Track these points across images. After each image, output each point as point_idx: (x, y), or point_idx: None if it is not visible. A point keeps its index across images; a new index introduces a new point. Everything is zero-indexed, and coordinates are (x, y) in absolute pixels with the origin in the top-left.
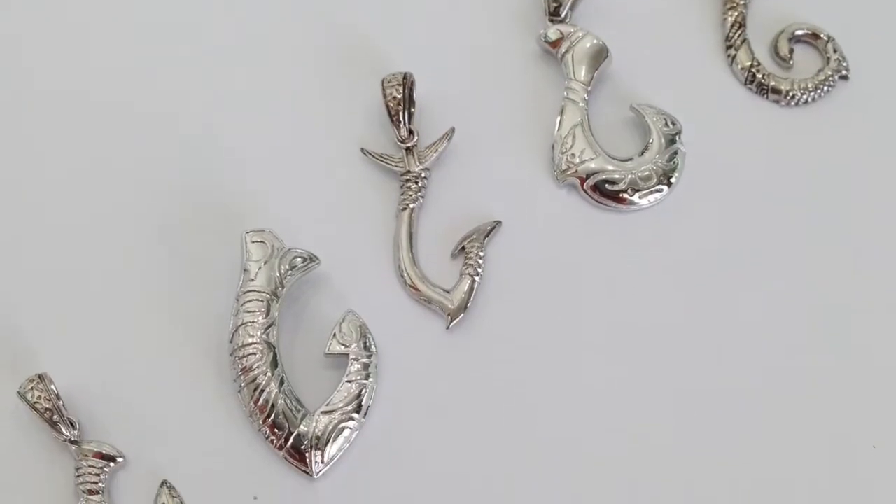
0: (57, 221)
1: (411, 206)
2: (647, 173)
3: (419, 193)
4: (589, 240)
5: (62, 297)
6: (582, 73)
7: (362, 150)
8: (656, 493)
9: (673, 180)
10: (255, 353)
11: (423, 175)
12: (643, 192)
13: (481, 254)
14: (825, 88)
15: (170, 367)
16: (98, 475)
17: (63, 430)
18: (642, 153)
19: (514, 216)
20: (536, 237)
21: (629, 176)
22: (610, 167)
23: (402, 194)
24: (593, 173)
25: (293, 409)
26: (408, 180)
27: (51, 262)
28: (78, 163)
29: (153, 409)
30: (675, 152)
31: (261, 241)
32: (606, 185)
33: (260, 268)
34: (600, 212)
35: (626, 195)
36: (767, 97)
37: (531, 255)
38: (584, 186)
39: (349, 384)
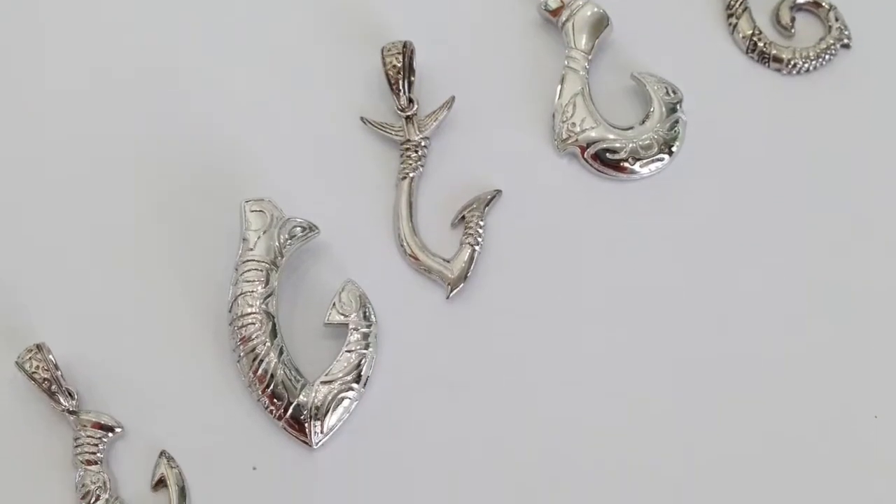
0: (56, 191)
1: (411, 175)
2: (647, 142)
3: (419, 162)
4: (589, 209)
5: (61, 267)
6: (583, 41)
7: (362, 118)
8: (656, 460)
9: (674, 149)
10: (254, 323)
11: (422, 144)
12: (644, 160)
13: (481, 223)
14: (827, 57)
15: (169, 337)
16: (96, 445)
17: (61, 400)
18: (643, 122)
19: (515, 185)
20: (537, 206)
21: (630, 145)
22: (611, 136)
23: (401, 163)
24: (594, 142)
25: (292, 379)
26: (408, 149)
27: (50, 233)
28: (77, 133)
29: (152, 380)
30: (676, 121)
31: (260, 211)
32: (607, 154)
33: (259, 237)
34: (601, 181)
35: (626, 164)
36: (769, 66)
37: (531, 224)
38: (585, 155)
39: (349, 354)
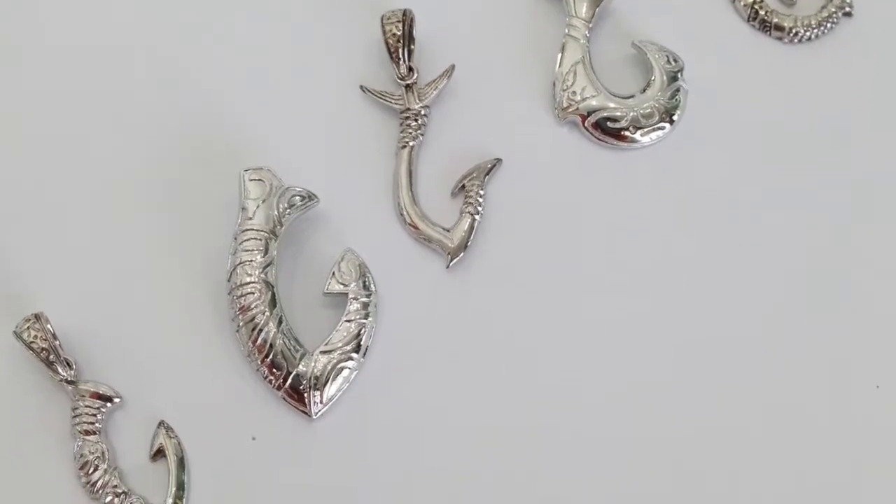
0: (54, 161)
1: (411, 143)
2: (648, 111)
3: (419, 131)
4: (590, 178)
5: (59, 237)
6: (583, 9)
7: (362, 87)
8: (656, 431)
9: (675, 118)
10: (253, 293)
11: (422, 113)
12: (645, 129)
13: (481, 192)
14: (828, 25)
15: (167, 307)
16: (95, 415)
17: (59, 370)
18: (644, 91)
19: (515, 154)
20: (537, 175)
21: (631, 113)
22: (611, 105)
23: (401, 132)
24: (594, 111)
25: (292, 348)
26: (407, 118)
27: (48, 203)
28: (76, 102)
29: (151, 349)
30: (678, 90)
31: (259, 180)
32: (608, 123)
33: (258, 206)
34: (601, 150)
35: (627, 133)
36: (770, 34)
37: (532, 193)
38: (586, 124)
39: (348, 324)
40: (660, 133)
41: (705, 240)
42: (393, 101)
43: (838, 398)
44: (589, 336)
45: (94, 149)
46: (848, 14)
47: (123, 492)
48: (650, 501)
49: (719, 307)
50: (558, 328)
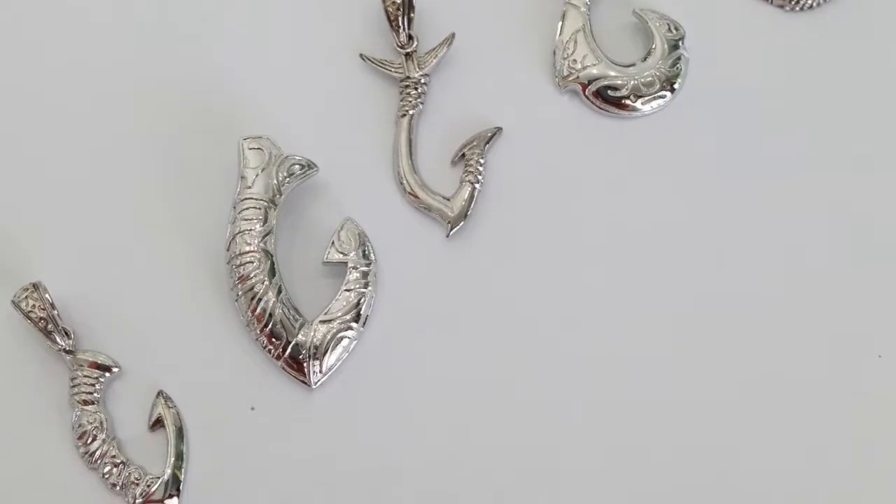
0: (54, 130)
1: (411, 112)
2: (649, 79)
3: (419, 100)
4: (590, 146)
5: (58, 206)
6: None
7: (361, 55)
8: (657, 397)
9: (676, 86)
10: (252, 262)
11: (422, 81)
12: (646, 98)
13: (482, 161)
14: None
15: (166, 276)
16: (93, 385)
17: (58, 340)
18: (645, 59)
19: (515, 123)
20: (537, 144)
21: (632, 82)
22: (612, 73)
23: (401, 100)
24: (595, 79)
25: (291, 318)
26: (407, 86)
27: (48, 171)
28: (74, 73)
29: (149, 319)
30: (679, 58)
31: (258, 148)
32: (609, 92)
33: (257, 175)
34: (602, 118)
35: (628, 101)
36: (772, 2)
37: (532, 161)
38: (586, 93)
39: (348, 293)
40: (661, 102)
41: (706, 208)
42: (393, 70)
43: (840, 367)
44: (589, 304)
45: (91, 118)
46: None
47: (122, 462)
48: (650, 468)
49: (720, 274)
50: (558, 296)
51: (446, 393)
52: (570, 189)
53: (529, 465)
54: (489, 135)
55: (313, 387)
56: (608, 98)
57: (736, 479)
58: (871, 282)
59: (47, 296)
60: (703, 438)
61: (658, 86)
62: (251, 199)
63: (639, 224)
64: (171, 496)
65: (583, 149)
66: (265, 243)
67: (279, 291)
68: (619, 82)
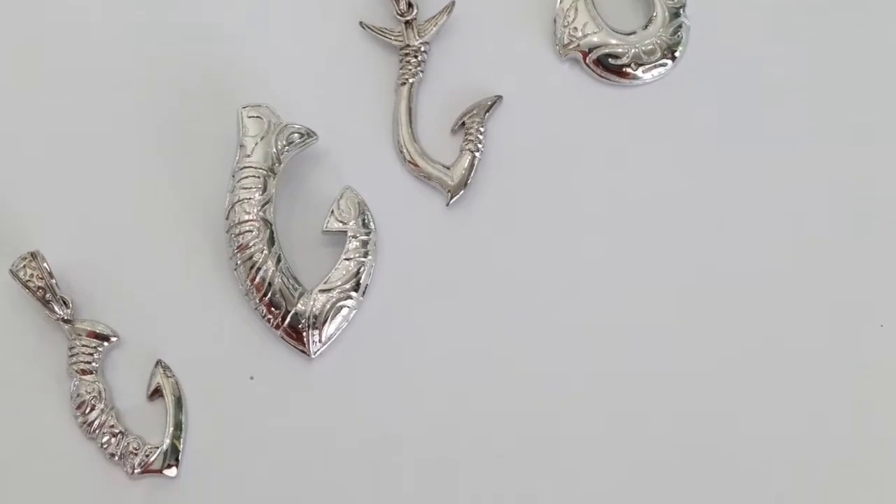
0: (53, 99)
1: (410, 80)
2: (650, 47)
3: (419, 68)
4: (591, 115)
5: (56, 175)
6: None
7: (361, 23)
8: (657, 365)
9: (677, 54)
10: (251, 231)
11: (422, 49)
12: (646, 66)
13: (482, 129)
14: None
15: (165, 246)
16: (91, 355)
17: (56, 309)
18: (646, 27)
19: (516, 91)
20: (538, 112)
21: (632, 50)
22: (613, 41)
23: (401, 69)
24: (596, 47)
25: (290, 287)
26: (407, 55)
27: (46, 140)
28: (75, 40)
29: (148, 288)
30: (680, 26)
31: (257, 117)
32: (609, 60)
33: (257, 143)
34: (603, 86)
35: (629, 69)
36: None
37: (532, 130)
38: (587, 61)
39: (347, 262)
40: (662, 70)
41: (707, 176)
42: (392, 38)
43: (841, 337)
44: (589, 273)
45: (92, 86)
46: None
47: (120, 431)
48: (650, 436)
49: (721, 245)
50: (559, 266)
51: (446, 361)
52: (571, 158)
53: (529, 433)
54: (489, 103)
55: (312, 356)
56: (609, 66)
57: (736, 447)
58: (872, 252)
59: (45, 265)
60: (703, 406)
61: (659, 54)
62: (250, 167)
63: (639, 193)
64: (169, 466)
65: (583, 117)
66: (264, 212)
67: (278, 260)
68: (620, 50)
